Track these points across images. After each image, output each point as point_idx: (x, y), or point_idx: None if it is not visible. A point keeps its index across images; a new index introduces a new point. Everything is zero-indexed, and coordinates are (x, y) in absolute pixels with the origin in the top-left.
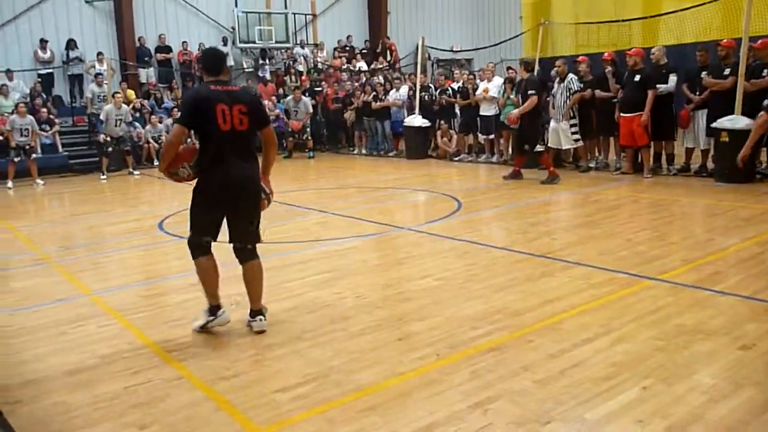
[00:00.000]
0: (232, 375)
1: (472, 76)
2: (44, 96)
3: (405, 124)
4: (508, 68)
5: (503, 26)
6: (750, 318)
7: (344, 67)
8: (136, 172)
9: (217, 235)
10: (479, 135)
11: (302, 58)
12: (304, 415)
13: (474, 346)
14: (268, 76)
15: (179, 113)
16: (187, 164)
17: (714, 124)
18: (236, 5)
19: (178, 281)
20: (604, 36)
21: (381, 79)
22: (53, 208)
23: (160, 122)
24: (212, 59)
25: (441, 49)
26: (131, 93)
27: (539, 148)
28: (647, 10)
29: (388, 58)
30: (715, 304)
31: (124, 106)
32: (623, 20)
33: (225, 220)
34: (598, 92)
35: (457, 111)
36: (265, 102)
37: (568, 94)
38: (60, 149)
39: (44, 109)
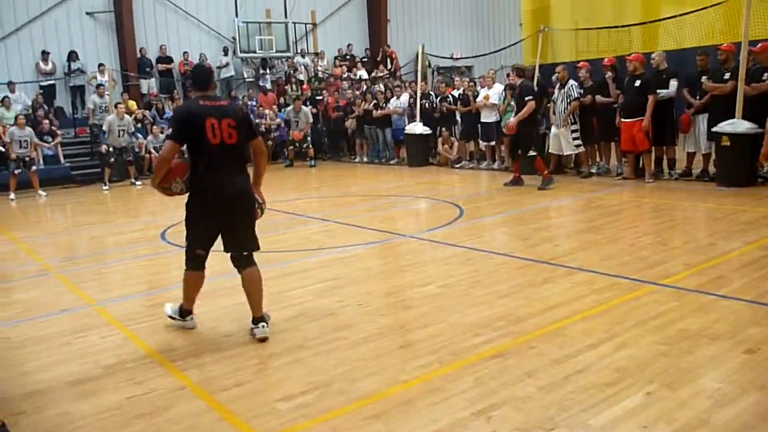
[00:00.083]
0: (235, 384)
1: (472, 83)
2: (46, 107)
3: (406, 131)
4: (509, 75)
5: (503, 33)
6: (754, 322)
7: (345, 75)
8: (138, 183)
9: (209, 247)
10: (480, 142)
11: (303, 67)
12: (307, 424)
13: (477, 353)
14: (268, 85)
15: (170, 129)
16: (180, 179)
17: (715, 129)
18: (237, 15)
19: (181, 291)
20: (603, 42)
21: (381, 87)
22: (56, 219)
23: (162, 132)
24: (200, 75)
25: (441, 57)
26: (133, 104)
27: (531, 152)
28: (646, 16)
29: (389, 66)
30: (718, 309)
31: (127, 116)
32: (623, 26)
33: (220, 232)
34: (598, 98)
35: (458, 118)
36: (266, 111)
37: (569, 100)
38: (62, 160)
39: (46, 121)
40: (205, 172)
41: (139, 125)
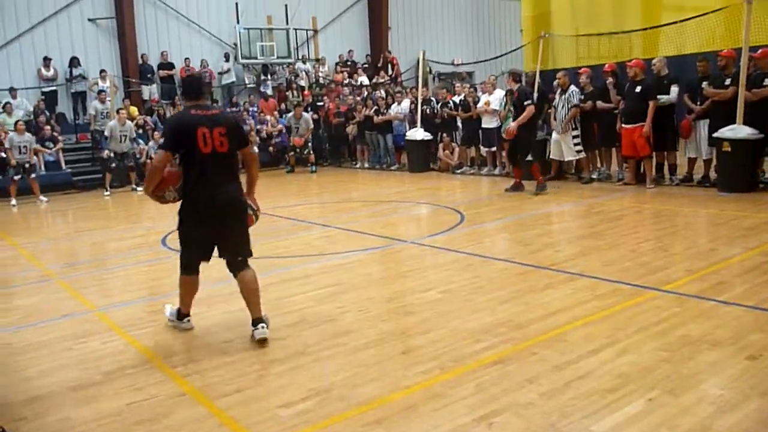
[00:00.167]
0: (235, 390)
1: (473, 89)
2: (47, 113)
3: (407, 137)
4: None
5: (504, 39)
6: (755, 328)
7: (346, 81)
8: (139, 189)
9: (208, 255)
10: (481, 147)
11: (304, 73)
12: (308, 430)
13: (478, 359)
14: (270, 91)
15: (162, 140)
16: (173, 187)
17: (716, 134)
18: (238, 21)
19: None
20: (604, 48)
21: (382, 93)
22: (57, 224)
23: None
24: (192, 85)
25: (442, 63)
26: (134, 110)
27: (529, 157)
28: (647, 22)
29: (390, 72)
30: (720, 315)
31: (128, 122)
32: (623, 32)
33: (213, 238)
34: (599, 103)
35: (459, 124)
36: (268, 117)
37: (569, 106)
38: (63, 166)
39: (48, 127)
40: (197, 180)
41: (141, 131)
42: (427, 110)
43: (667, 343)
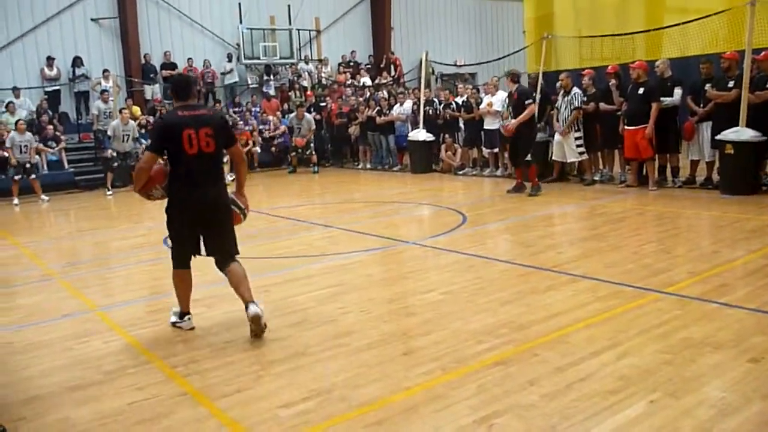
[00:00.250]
0: (236, 391)
1: (475, 90)
2: (50, 113)
3: (409, 138)
4: None
5: (506, 40)
6: (758, 330)
7: (348, 82)
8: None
9: (197, 250)
10: (483, 149)
11: (306, 73)
12: (308, 430)
13: (480, 361)
14: (272, 91)
15: (149, 140)
16: (159, 185)
17: (719, 137)
18: (241, 22)
19: None
20: (607, 49)
21: (385, 93)
22: (59, 224)
23: None
24: (180, 85)
25: (445, 64)
26: (136, 109)
27: (528, 158)
28: (650, 23)
29: (392, 72)
30: (722, 317)
31: (131, 121)
32: (626, 33)
33: (201, 235)
34: (602, 105)
35: (461, 125)
36: (270, 118)
37: (571, 108)
38: (66, 166)
39: (50, 126)
40: (183, 181)
41: (143, 131)
42: (430, 111)
43: (669, 346)
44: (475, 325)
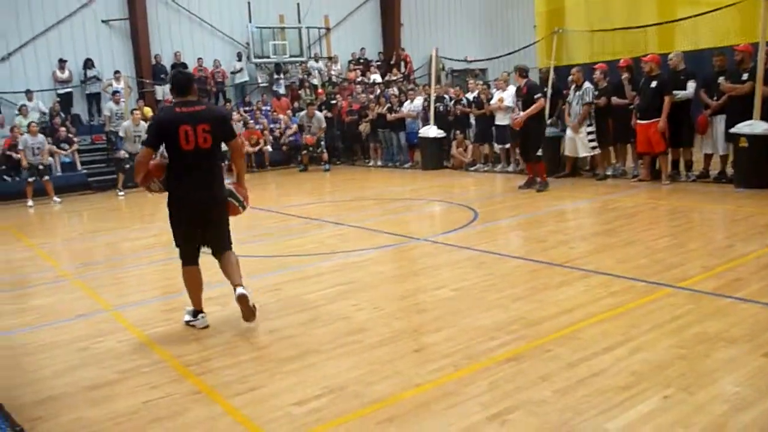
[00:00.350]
0: (249, 389)
1: (486, 86)
2: (62, 115)
3: (420, 135)
4: None
5: (517, 35)
6: None
7: (358, 79)
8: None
9: (200, 245)
10: (495, 144)
11: (316, 71)
12: (321, 427)
13: (491, 357)
14: (282, 90)
15: (146, 135)
16: (157, 179)
17: (732, 130)
18: (250, 21)
19: None
20: (619, 43)
21: (395, 90)
22: (72, 225)
23: None
24: (179, 81)
25: (455, 60)
26: (148, 110)
27: (539, 152)
28: (662, 16)
29: (403, 69)
30: (736, 312)
31: (142, 122)
32: (638, 26)
33: (201, 230)
34: (614, 99)
35: (472, 121)
36: (281, 116)
37: (583, 103)
38: (79, 167)
39: (63, 128)
40: (181, 176)
41: None
42: (440, 107)
43: (683, 341)
44: (487, 321)
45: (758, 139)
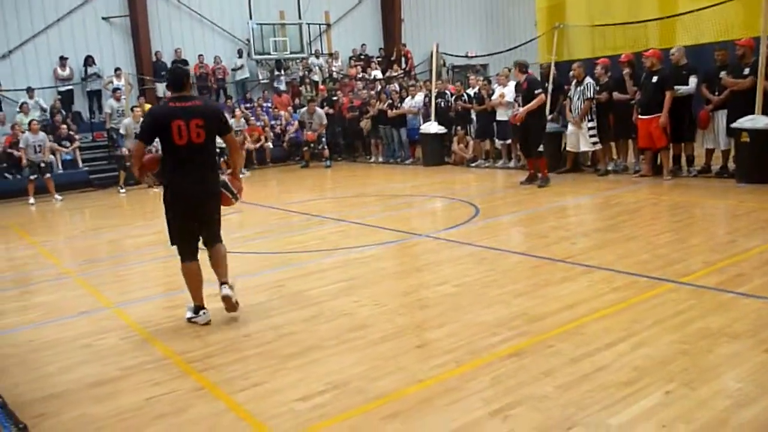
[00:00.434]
0: (252, 385)
1: (487, 82)
2: (64, 112)
3: (421, 131)
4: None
5: (518, 31)
6: None
7: (359, 75)
8: (159, 186)
9: (195, 237)
10: (496, 140)
11: (317, 68)
12: (324, 423)
13: (494, 353)
14: (283, 86)
15: (140, 129)
16: (150, 173)
17: (734, 125)
18: (251, 17)
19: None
20: (620, 38)
21: (396, 86)
22: (74, 222)
23: None
24: (174, 77)
25: (456, 55)
26: (148, 107)
27: (540, 148)
28: (663, 11)
29: (404, 65)
30: (738, 307)
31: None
32: (639, 21)
33: (196, 223)
34: (615, 94)
35: (473, 117)
36: (281, 113)
37: (584, 98)
38: (80, 165)
39: (64, 126)
40: (174, 170)
41: None
42: (441, 103)
43: (685, 336)
44: (489, 317)
45: (760, 134)
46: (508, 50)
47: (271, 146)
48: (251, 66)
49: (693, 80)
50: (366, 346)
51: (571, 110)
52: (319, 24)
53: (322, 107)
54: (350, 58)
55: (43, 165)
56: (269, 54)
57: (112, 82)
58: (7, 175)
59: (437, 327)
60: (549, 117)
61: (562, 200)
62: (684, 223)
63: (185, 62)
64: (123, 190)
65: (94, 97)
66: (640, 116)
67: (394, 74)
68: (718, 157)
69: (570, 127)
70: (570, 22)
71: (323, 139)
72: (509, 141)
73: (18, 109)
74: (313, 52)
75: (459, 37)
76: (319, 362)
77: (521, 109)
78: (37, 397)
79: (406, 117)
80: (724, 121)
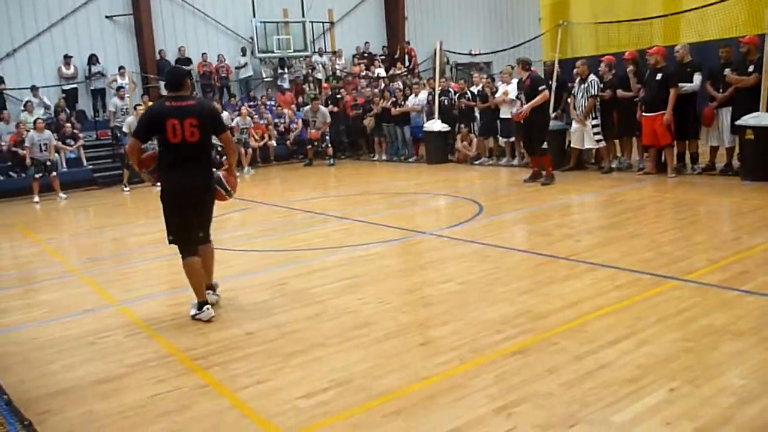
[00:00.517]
0: (256, 382)
1: (490, 80)
2: (68, 111)
3: (425, 128)
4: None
5: (522, 28)
6: None
7: (363, 73)
8: (158, 183)
9: (194, 233)
10: (499, 138)
11: (320, 66)
12: (328, 420)
13: (498, 350)
14: (287, 85)
15: (136, 126)
16: (145, 170)
17: (738, 122)
18: (254, 15)
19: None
20: (624, 35)
21: (400, 84)
22: (78, 220)
23: None
24: (171, 77)
25: (459, 53)
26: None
27: (544, 145)
28: (668, 8)
29: (407, 63)
30: (742, 304)
31: None
32: (644, 18)
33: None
34: (619, 92)
35: (477, 114)
36: (285, 111)
37: (588, 96)
38: (84, 163)
39: (68, 124)
40: (170, 167)
41: None
42: (445, 101)
43: (689, 333)
44: (493, 314)
45: (764, 131)
46: (511, 48)
47: (275, 144)
48: (255, 64)
49: (697, 77)
50: (370, 344)
51: (575, 108)
52: (323, 22)
53: (325, 105)
54: (354, 56)
55: (48, 163)
56: (273, 52)
57: (116, 80)
58: (11, 173)
59: (441, 324)
60: (553, 115)
61: (566, 198)
62: (688, 220)
63: (188, 61)
64: (127, 189)
65: (98, 95)
66: (644, 113)
67: (398, 72)
68: (723, 154)
69: (574, 125)
70: (574, 19)
71: (327, 137)
72: (513, 138)
73: (22, 108)
74: (316, 50)
75: (462, 34)
76: (323, 360)
77: (525, 106)
78: (42, 395)
79: (409, 115)
80: (728, 118)
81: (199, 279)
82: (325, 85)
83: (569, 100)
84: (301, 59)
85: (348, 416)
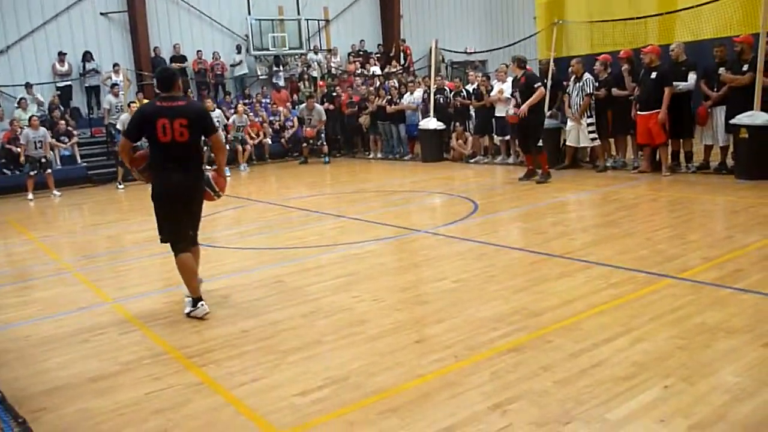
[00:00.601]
0: (252, 380)
1: (485, 78)
2: (62, 108)
3: (420, 127)
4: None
5: (517, 27)
6: None
7: (358, 71)
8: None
9: (184, 230)
10: (495, 136)
11: (316, 63)
12: (323, 418)
13: (493, 348)
14: (282, 82)
15: (127, 125)
16: (136, 169)
17: (733, 121)
18: (249, 13)
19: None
20: (619, 34)
21: (395, 82)
22: (73, 218)
23: None
24: (163, 77)
25: (455, 51)
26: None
27: (540, 143)
28: (662, 7)
29: (402, 61)
30: (736, 302)
31: None
32: (639, 17)
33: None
34: (614, 91)
35: (472, 113)
36: (280, 109)
37: (583, 94)
38: (79, 160)
39: (62, 122)
40: (160, 166)
41: None
42: (440, 99)
43: (683, 331)
44: (488, 312)
45: (758, 130)
46: (507, 46)
47: (270, 142)
48: (250, 62)
49: (692, 76)
50: (365, 342)
51: (570, 106)
52: (318, 20)
53: (321, 103)
54: (349, 54)
55: (43, 161)
56: (268, 50)
57: (110, 77)
58: (5, 170)
59: (436, 322)
60: (548, 113)
61: (561, 196)
62: (682, 219)
63: (183, 58)
64: (121, 186)
65: (93, 92)
66: (639, 112)
67: (393, 70)
68: (717, 153)
69: (569, 123)
70: (569, 18)
71: (322, 135)
72: (508, 137)
73: (16, 105)
74: (311, 47)
75: (458, 33)
76: (318, 357)
77: (523, 105)
78: (37, 392)
79: (405, 113)
80: (722, 117)
81: (191, 274)
82: (320, 83)
83: (564, 98)
84: (297, 57)
85: (343, 414)
